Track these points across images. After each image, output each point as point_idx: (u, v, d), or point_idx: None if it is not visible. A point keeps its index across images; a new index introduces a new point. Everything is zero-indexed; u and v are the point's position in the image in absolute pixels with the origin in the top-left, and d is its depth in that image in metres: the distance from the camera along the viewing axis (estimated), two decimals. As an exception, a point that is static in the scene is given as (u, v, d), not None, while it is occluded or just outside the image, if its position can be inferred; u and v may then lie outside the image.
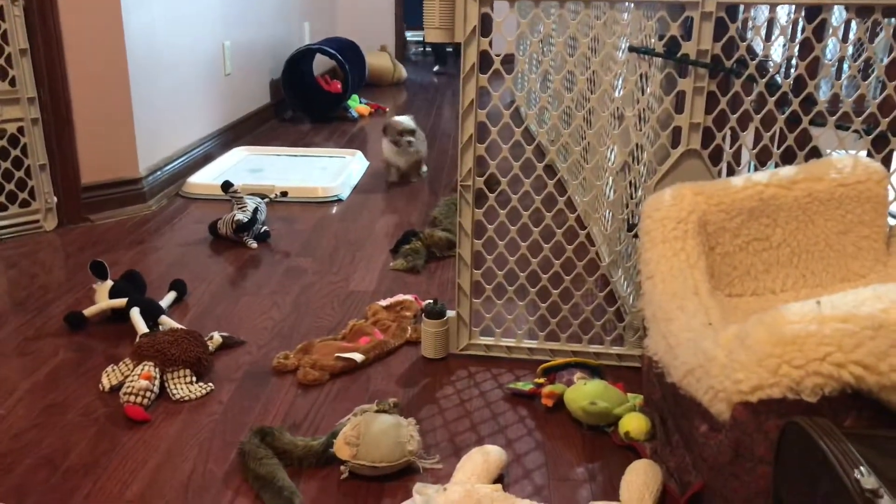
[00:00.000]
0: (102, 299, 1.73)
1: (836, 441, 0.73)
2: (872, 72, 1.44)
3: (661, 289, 1.22)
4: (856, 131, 1.43)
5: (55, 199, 2.34)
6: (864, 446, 0.73)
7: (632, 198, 1.70)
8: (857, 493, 0.68)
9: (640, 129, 1.60)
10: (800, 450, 0.78)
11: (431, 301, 1.59)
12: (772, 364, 0.85)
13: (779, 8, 1.46)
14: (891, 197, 1.35)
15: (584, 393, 1.35)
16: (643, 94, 1.60)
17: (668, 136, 1.46)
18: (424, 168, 3.06)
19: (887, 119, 1.40)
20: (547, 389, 1.41)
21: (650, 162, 1.53)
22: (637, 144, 1.63)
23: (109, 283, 1.76)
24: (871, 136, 1.43)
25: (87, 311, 1.71)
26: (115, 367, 1.49)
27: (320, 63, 4.79)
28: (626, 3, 1.39)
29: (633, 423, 1.29)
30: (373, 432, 1.22)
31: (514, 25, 3.82)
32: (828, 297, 0.87)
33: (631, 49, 1.56)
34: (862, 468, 0.70)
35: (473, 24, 1.40)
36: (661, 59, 1.45)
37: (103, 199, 2.45)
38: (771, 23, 1.54)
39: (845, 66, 2.82)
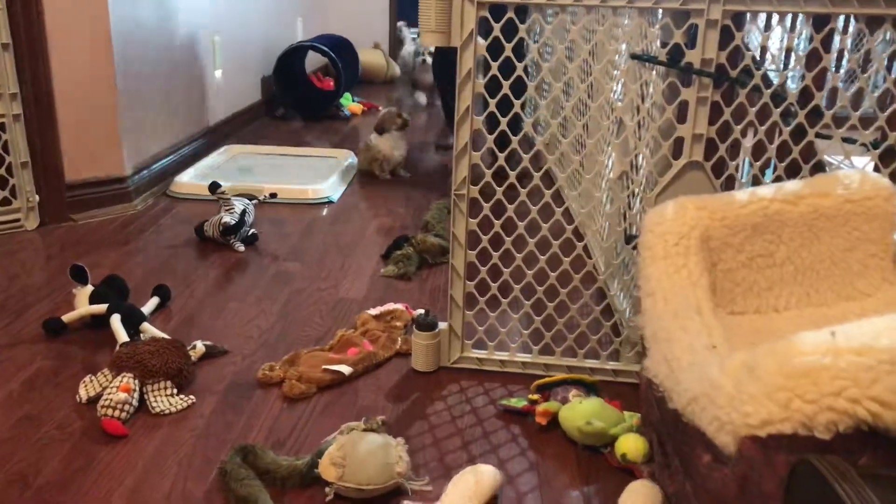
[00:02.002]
0: (82, 305, 1.67)
1: (854, 486, 0.68)
2: (881, 82, 1.40)
3: (663, 307, 1.17)
4: (863, 145, 1.39)
5: (37, 197, 2.28)
6: (884, 490, 0.69)
7: (630, 208, 1.65)
8: (876, 544, 0.64)
9: (641, 139, 1.56)
10: (812, 491, 0.74)
11: (423, 312, 1.54)
12: (783, 398, 0.81)
13: (786, 17, 1.42)
14: (899, 214, 1.31)
15: (579, 412, 1.31)
16: (643, 102, 1.55)
17: (669, 146, 1.42)
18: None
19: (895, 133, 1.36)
20: (541, 407, 1.36)
21: (651, 173, 1.48)
22: (637, 154, 1.58)
23: (90, 287, 1.70)
24: (878, 150, 1.39)
25: (66, 317, 1.65)
26: (93, 378, 1.43)
27: (313, 60, 4.72)
28: (629, 10, 1.35)
29: (631, 445, 1.25)
30: (360, 453, 1.17)
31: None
32: (842, 327, 0.82)
33: (633, 56, 1.51)
34: (882, 517, 0.65)
35: (470, 27, 1.35)
36: (663, 67, 1.41)
37: (87, 197, 2.39)
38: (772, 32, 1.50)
39: (842, 70, 2.78)
